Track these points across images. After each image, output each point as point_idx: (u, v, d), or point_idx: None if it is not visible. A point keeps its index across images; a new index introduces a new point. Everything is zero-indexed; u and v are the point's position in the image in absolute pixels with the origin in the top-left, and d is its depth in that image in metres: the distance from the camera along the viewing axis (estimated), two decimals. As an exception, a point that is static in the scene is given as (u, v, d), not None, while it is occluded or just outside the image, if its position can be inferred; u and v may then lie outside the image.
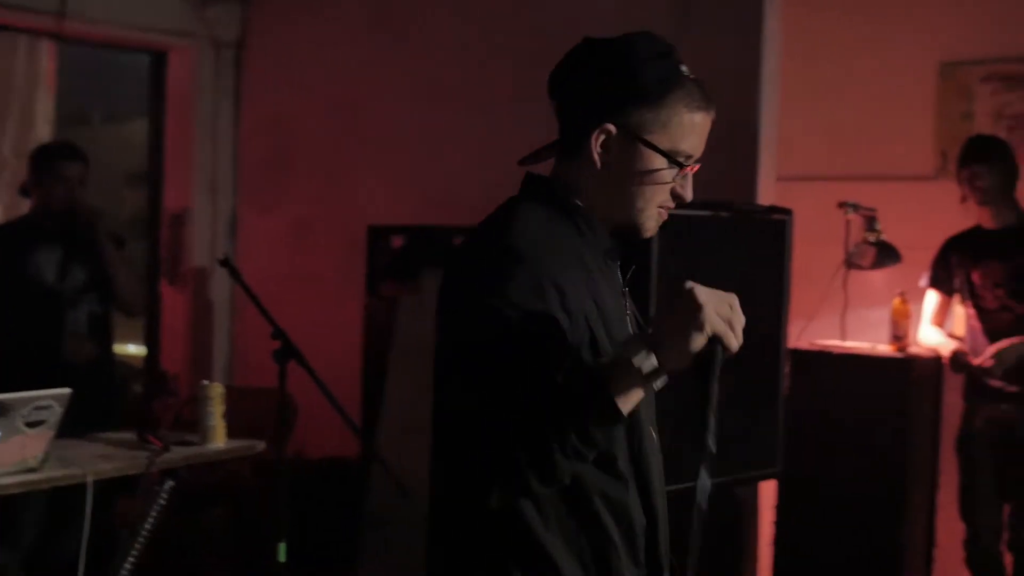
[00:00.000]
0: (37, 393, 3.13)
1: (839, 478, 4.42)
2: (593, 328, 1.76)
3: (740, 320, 1.63)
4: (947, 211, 4.71)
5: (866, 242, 4.71)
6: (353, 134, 5.52)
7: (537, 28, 4.95)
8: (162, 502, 3.57)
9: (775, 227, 4.12)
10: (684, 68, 1.84)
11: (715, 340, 1.61)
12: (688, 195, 1.84)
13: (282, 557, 3.54)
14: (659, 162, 1.80)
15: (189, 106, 5.81)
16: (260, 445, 3.74)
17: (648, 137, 1.79)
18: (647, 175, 1.80)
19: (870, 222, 4.73)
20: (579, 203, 1.84)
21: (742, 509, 4.35)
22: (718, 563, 4.21)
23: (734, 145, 4.51)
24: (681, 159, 1.80)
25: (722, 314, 1.61)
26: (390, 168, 5.38)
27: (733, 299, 1.64)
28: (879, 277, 4.86)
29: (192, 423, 3.82)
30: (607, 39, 1.89)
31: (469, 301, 1.76)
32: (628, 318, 1.90)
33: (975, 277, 4.44)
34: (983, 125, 5.32)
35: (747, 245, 3.99)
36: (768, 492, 4.55)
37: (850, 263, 4.72)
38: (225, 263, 3.75)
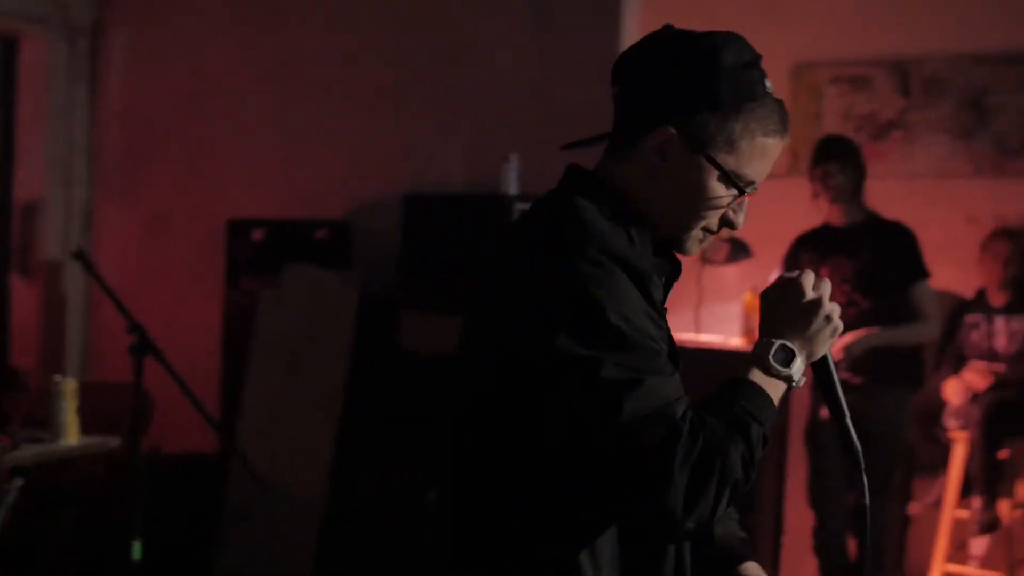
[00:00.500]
0: None
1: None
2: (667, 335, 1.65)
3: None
4: (798, 208, 4.86)
5: (719, 238, 4.83)
6: (214, 126, 5.45)
7: (400, 26, 4.96)
8: (11, 501, 3.49)
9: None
10: (768, 84, 1.63)
11: None
12: (739, 224, 1.66)
13: (137, 555, 3.50)
14: (717, 182, 1.60)
15: (41, 94, 5.65)
16: (114, 441, 3.68)
17: (712, 152, 1.58)
18: (700, 193, 1.60)
19: (723, 219, 4.85)
20: (633, 209, 1.62)
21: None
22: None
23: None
24: (742, 184, 1.61)
25: (836, 315, 1.59)
26: (251, 161, 5.33)
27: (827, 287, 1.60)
28: (732, 272, 5.01)
29: (44, 420, 3.74)
30: (692, 33, 1.67)
31: (562, 310, 1.48)
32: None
33: (823, 272, 4.59)
34: (831, 125, 5.52)
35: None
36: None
37: (704, 259, 4.85)
38: (79, 255, 3.69)
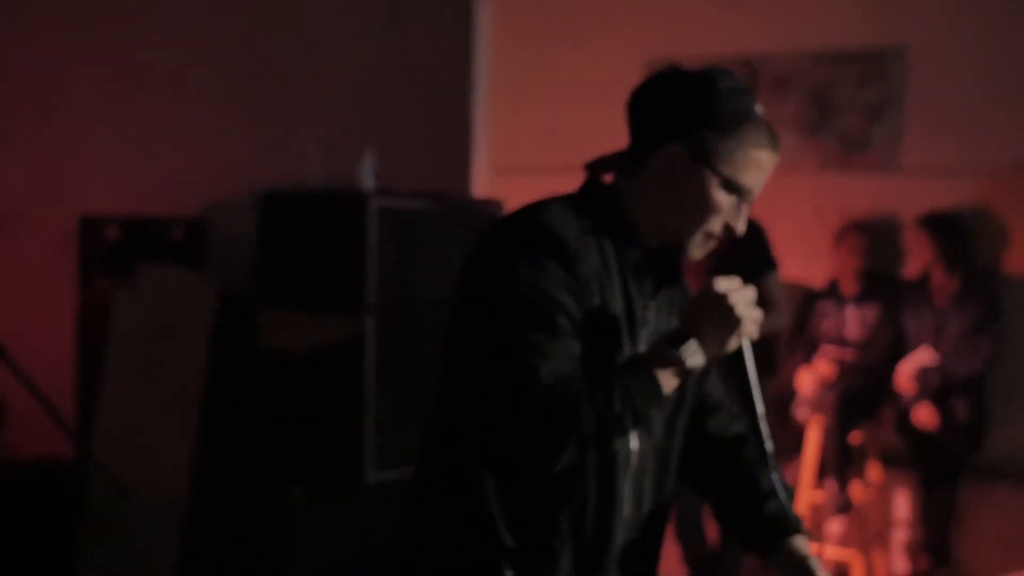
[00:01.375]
0: None
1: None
2: (620, 330, 1.86)
3: (758, 314, 1.82)
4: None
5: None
6: (63, 122, 5.33)
7: (254, 20, 4.92)
8: None
9: (488, 218, 4.26)
10: (759, 108, 1.90)
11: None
12: (740, 229, 1.91)
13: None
14: (718, 189, 1.86)
15: None
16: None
17: (712, 163, 1.85)
18: (704, 200, 1.86)
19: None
20: (626, 213, 1.90)
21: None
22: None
23: (450, 138, 4.63)
24: (742, 191, 1.87)
25: (748, 314, 1.80)
26: (103, 158, 5.23)
27: (750, 293, 1.82)
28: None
29: None
30: (692, 70, 1.92)
31: (499, 278, 1.81)
32: (652, 330, 1.93)
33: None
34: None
35: (466, 237, 4.11)
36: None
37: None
38: (-79, 258, 3.56)
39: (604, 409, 1.74)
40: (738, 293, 1.80)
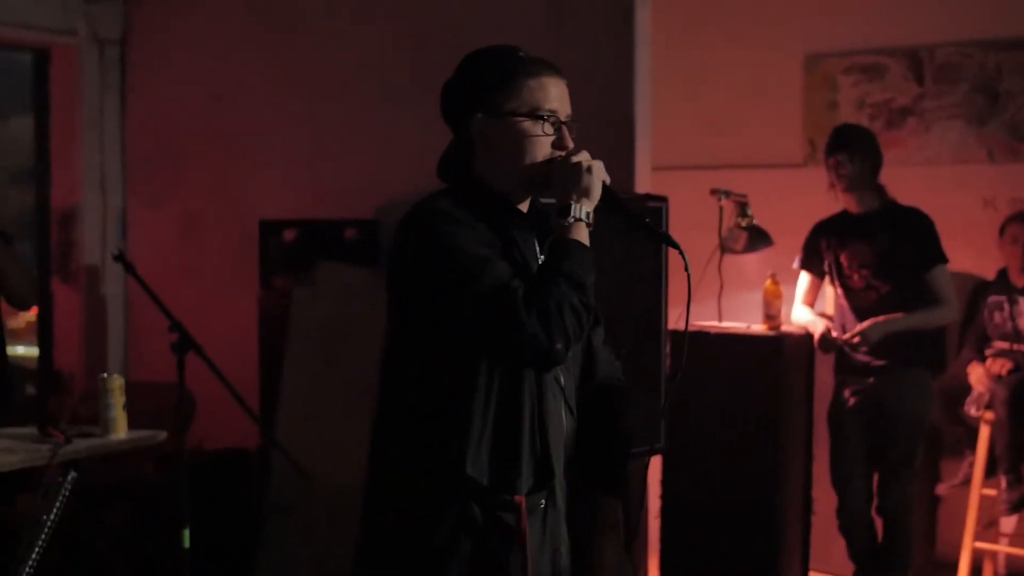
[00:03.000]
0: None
1: (719, 452, 4.64)
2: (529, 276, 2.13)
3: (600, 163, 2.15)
4: (815, 196, 4.97)
5: (738, 227, 4.94)
6: (241, 129, 5.57)
7: (418, 24, 5.07)
8: (65, 495, 3.62)
9: (652, 214, 4.32)
10: (522, 53, 2.22)
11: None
12: (569, 144, 2.17)
13: (186, 543, 3.63)
14: (525, 123, 2.15)
15: (74, 103, 5.80)
16: (162, 434, 3.80)
17: (508, 108, 2.15)
18: (520, 135, 2.16)
19: (741, 208, 4.96)
20: (489, 188, 2.19)
21: (630, 483, 4.54)
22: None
23: (611, 136, 4.70)
24: (543, 114, 2.15)
25: (597, 166, 2.13)
26: (280, 162, 5.45)
27: (585, 152, 2.15)
28: (751, 260, 5.11)
29: (89, 420, 3.87)
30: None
31: (425, 245, 2.10)
32: None
33: (843, 259, 4.70)
34: (847, 114, 5.62)
35: (627, 232, 4.17)
36: (654, 467, 4.75)
37: (724, 247, 4.95)
38: (120, 258, 3.81)
39: (569, 278, 2.03)
40: (586, 155, 2.13)
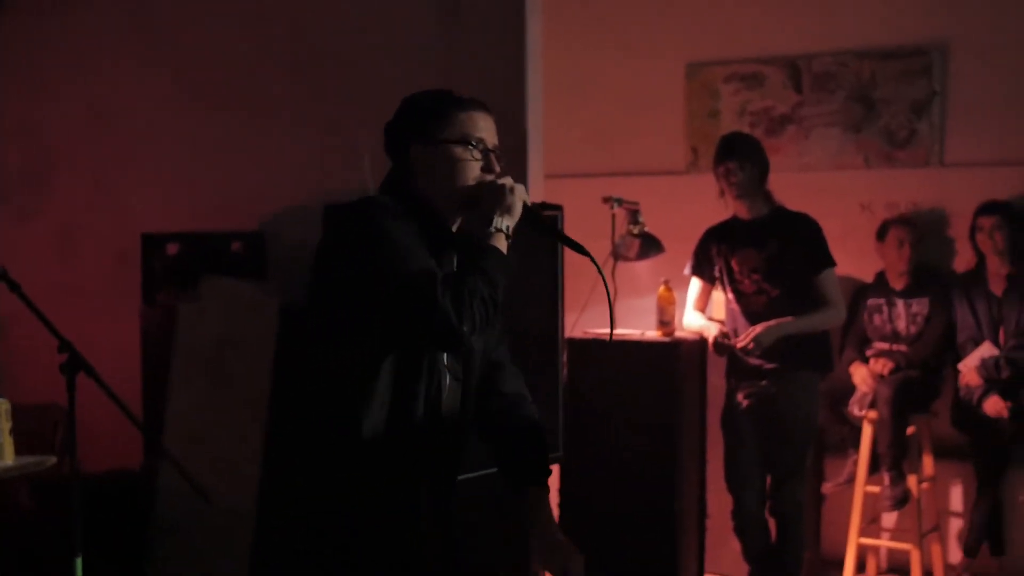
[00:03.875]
0: None
1: (616, 458, 4.67)
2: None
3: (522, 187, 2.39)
4: (699, 203, 5.03)
5: (631, 234, 4.98)
6: (119, 140, 5.39)
7: (306, 30, 4.98)
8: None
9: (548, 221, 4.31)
10: (455, 94, 2.47)
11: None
12: (496, 168, 2.42)
13: (78, 573, 3.47)
14: (455, 149, 2.39)
15: (-63, 114, 5.54)
16: (51, 460, 3.65)
17: (442, 136, 2.40)
18: (452, 160, 2.40)
19: (633, 215, 5.00)
20: (428, 204, 2.41)
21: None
22: (505, 547, 4.38)
23: (504, 143, 4.68)
24: (473, 141, 2.40)
25: (519, 188, 2.37)
26: (161, 174, 5.29)
27: (509, 180, 2.39)
28: (644, 267, 5.15)
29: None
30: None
31: (350, 232, 2.33)
32: None
33: (734, 264, 4.76)
34: (728, 121, 5.72)
35: (521, 240, 4.16)
36: (551, 476, 4.74)
37: (617, 255, 4.98)
38: (3, 276, 3.63)
39: (484, 273, 2.25)
40: (502, 179, 2.37)
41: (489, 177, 2.41)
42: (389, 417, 2.34)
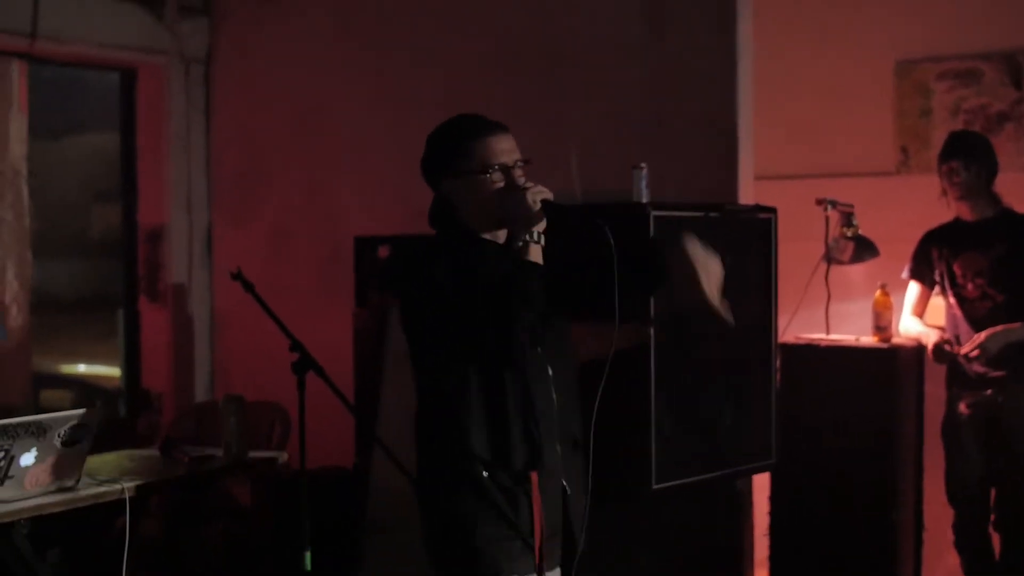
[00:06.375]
0: (73, 412, 3.13)
1: (830, 467, 4.55)
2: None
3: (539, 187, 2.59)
4: (910, 205, 4.88)
5: (844, 237, 4.86)
6: (330, 145, 5.54)
7: (511, 31, 5.02)
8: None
9: (761, 226, 4.24)
10: (466, 118, 2.73)
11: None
12: (518, 183, 2.62)
13: (308, 566, 3.57)
14: (484, 177, 2.62)
15: (160, 122, 5.79)
16: (283, 455, 3.76)
17: (465, 168, 2.64)
18: (484, 189, 2.63)
19: (847, 218, 4.87)
20: (472, 231, 2.67)
21: (740, 501, 4.46)
22: (716, 554, 4.32)
23: (715, 146, 4.63)
24: (493, 168, 2.62)
25: (534, 190, 2.55)
26: (371, 177, 5.41)
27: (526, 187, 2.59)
28: (857, 271, 5.01)
29: (191, 440, 3.84)
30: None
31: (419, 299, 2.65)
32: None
33: (956, 268, 4.59)
34: (941, 120, 5.53)
35: (736, 244, 4.10)
36: (763, 483, 4.67)
37: (830, 258, 4.86)
38: (237, 276, 3.77)
39: (522, 295, 2.50)
40: (523, 188, 2.57)
41: (511, 194, 2.59)
42: (489, 428, 2.61)
